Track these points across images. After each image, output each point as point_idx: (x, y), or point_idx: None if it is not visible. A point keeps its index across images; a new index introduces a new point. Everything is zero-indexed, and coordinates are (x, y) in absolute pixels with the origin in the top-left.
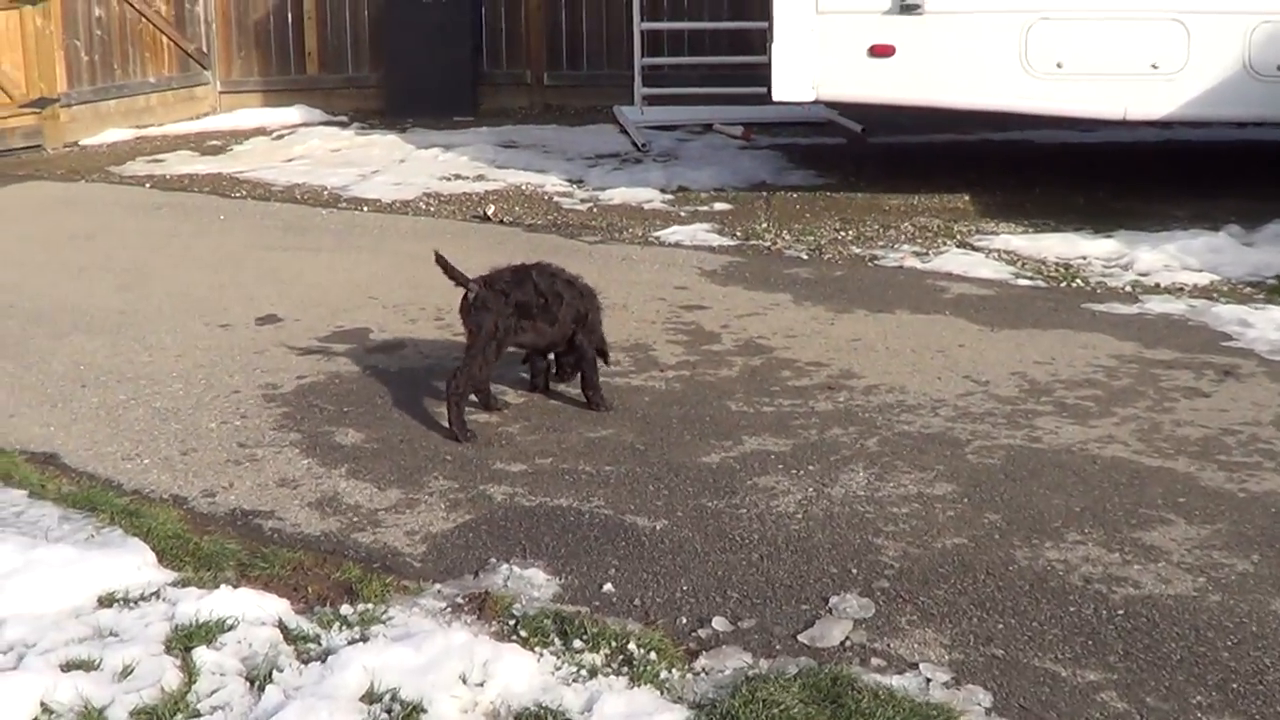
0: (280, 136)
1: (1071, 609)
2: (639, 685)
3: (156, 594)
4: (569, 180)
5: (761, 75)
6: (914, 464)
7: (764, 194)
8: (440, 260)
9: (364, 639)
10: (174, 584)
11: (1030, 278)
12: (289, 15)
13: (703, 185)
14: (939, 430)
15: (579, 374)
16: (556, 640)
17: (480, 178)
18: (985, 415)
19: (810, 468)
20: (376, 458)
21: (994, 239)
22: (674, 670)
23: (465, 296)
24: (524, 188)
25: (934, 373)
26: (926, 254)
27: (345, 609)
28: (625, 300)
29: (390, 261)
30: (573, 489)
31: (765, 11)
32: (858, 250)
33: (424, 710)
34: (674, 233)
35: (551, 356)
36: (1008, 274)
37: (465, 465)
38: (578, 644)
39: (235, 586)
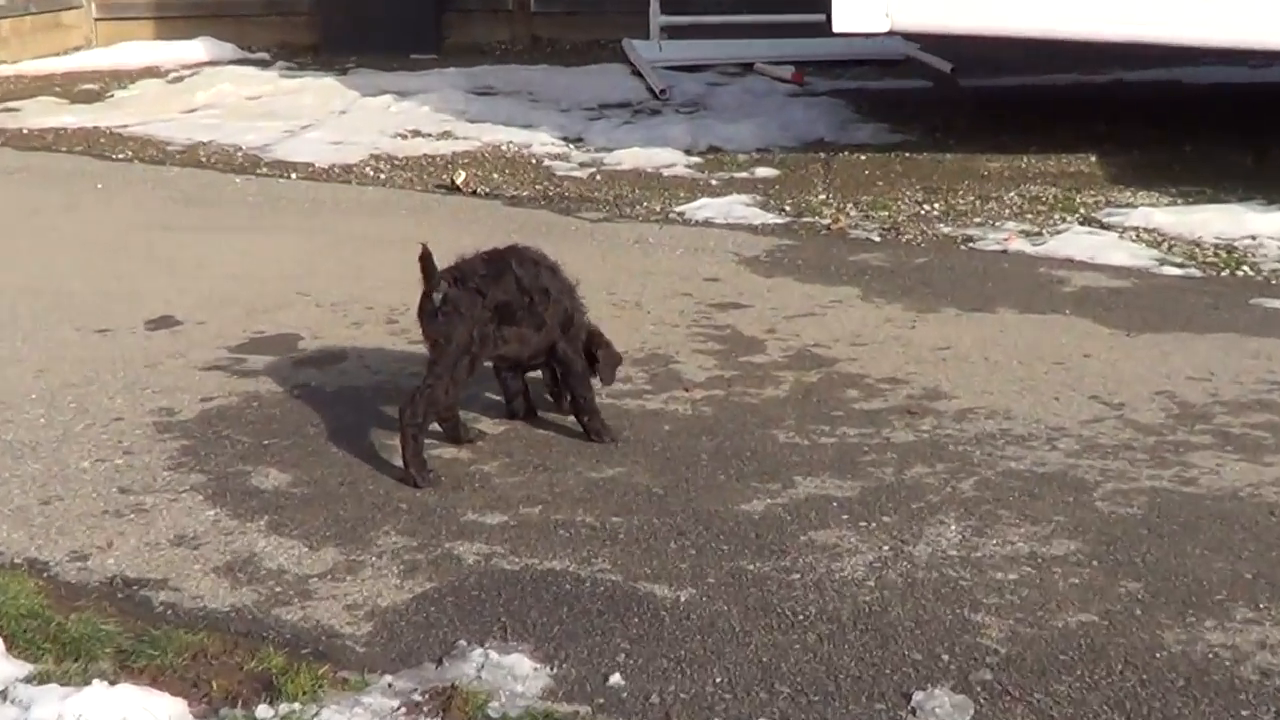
0: (178, 79)
1: (1244, 713)
2: None
3: (2, 694)
4: (564, 138)
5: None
6: (1024, 514)
7: (822, 155)
8: (425, 254)
9: None
10: (28, 679)
11: (1180, 264)
12: None
13: (740, 144)
14: (1057, 469)
15: (569, 394)
16: None
17: (446, 135)
18: (1120, 449)
19: (885, 519)
20: (307, 506)
21: (1130, 213)
22: None
23: (426, 296)
24: (504, 148)
25: (1050, 391)
26: (1039, 234)
27: (262, 711)
28: (638, 297)
29: (327, 245)
30: (569, 547)
31: None
32: (947, 229)
33: None
34: (702, 207)
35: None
36: (1149, 259)
37: (426, 516)
38: None
39: (113, 682)
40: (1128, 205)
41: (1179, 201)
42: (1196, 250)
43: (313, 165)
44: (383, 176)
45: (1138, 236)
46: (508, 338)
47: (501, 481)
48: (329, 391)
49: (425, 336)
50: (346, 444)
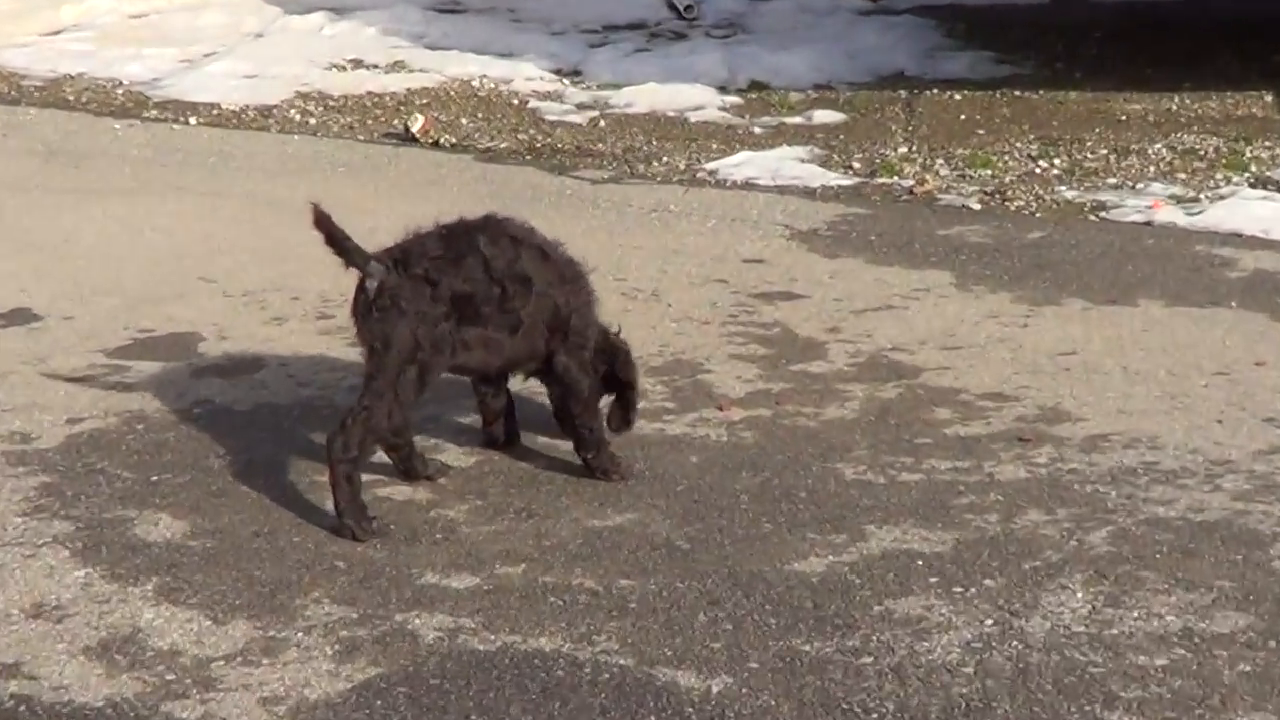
0: None
1: None
2: None
3: None
4: (557, 72)
5: None
6: (1175, 576)
7: (903, 94)
8: (322, 220)
9: None
10: None
11: None
12: None
13: (793, 80)
14: (1221, 515)
15: (565, 420)
16: None
17: (398, 66)
18: None
19: (987, 583)
20: (210, 565)
21: None
22: None
23: (360, 285)
24: (477, 85)
25: (1209, 412)
26: (1196, 199)
27: None
28: (656, 285)
29: (238, 215)
30: (562, 621)
31: None
32: (1070, 193)
33: None
34: (742, 164)
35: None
36: None
37: (371, 578)
38: None
39: None
40: None
41: None
42: None
43: (218, 107)
44: (313, 122)
45: None
46: (470, 342)
47: (472, 531)
48: (240, 411)
49: (360, 340)
50: (263, 482)
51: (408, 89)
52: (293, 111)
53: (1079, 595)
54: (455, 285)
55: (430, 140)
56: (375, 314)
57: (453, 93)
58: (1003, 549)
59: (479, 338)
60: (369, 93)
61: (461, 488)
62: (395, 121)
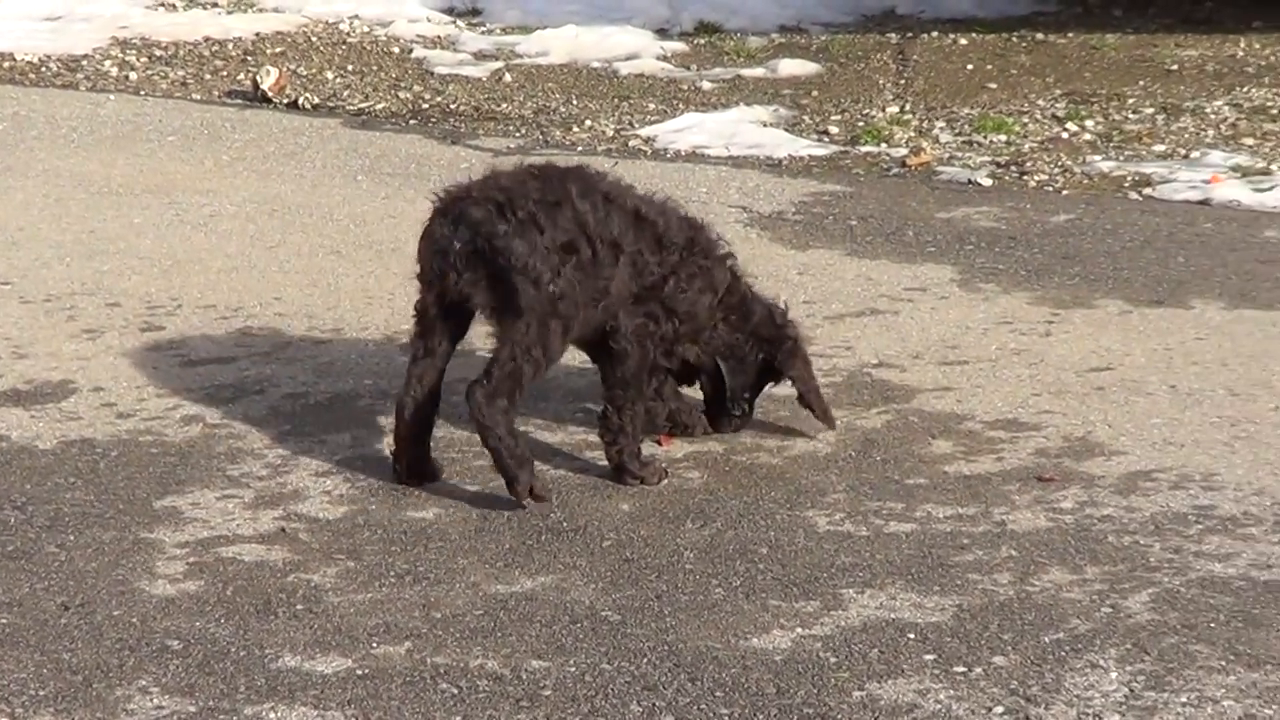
0: None
1: None
2: None
3: None
4: (448, 11)
5: None
6: (1235, 651)
7: (893, 38)
8: None
9: None
10: None
11: None
12: None
13: (752, 19)
14: None
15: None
16: None
17: (245, 4)
18: None
19: (997, 661)
20: (7, 647)
21: None
22: None
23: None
24: (345, 27)
25: None
26: (1266, 171)
27: None
28: None
29: (37, 197)
30: (458, 713)
31: None
32: (1106, 165)
33: None
34: (687, 128)
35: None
36: None
37: (212, 660)
38: None
39: None
40: None
41: None
42: None
43: (10, 58)
44: (134, 77)
45: None
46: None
47: (342, 601)
48: (43, 450)
49: (467, 286)
50: (75, 540)
51: (257, 34)
52: (108, 64)
53: (1113, 675)
54: (559, 234)
55: (286, 100)
56: (514, 239)
57: (315, 38)
58: (1017, 618)
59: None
60: (207, 39)
61: (328, 545)
62: (241, 76)
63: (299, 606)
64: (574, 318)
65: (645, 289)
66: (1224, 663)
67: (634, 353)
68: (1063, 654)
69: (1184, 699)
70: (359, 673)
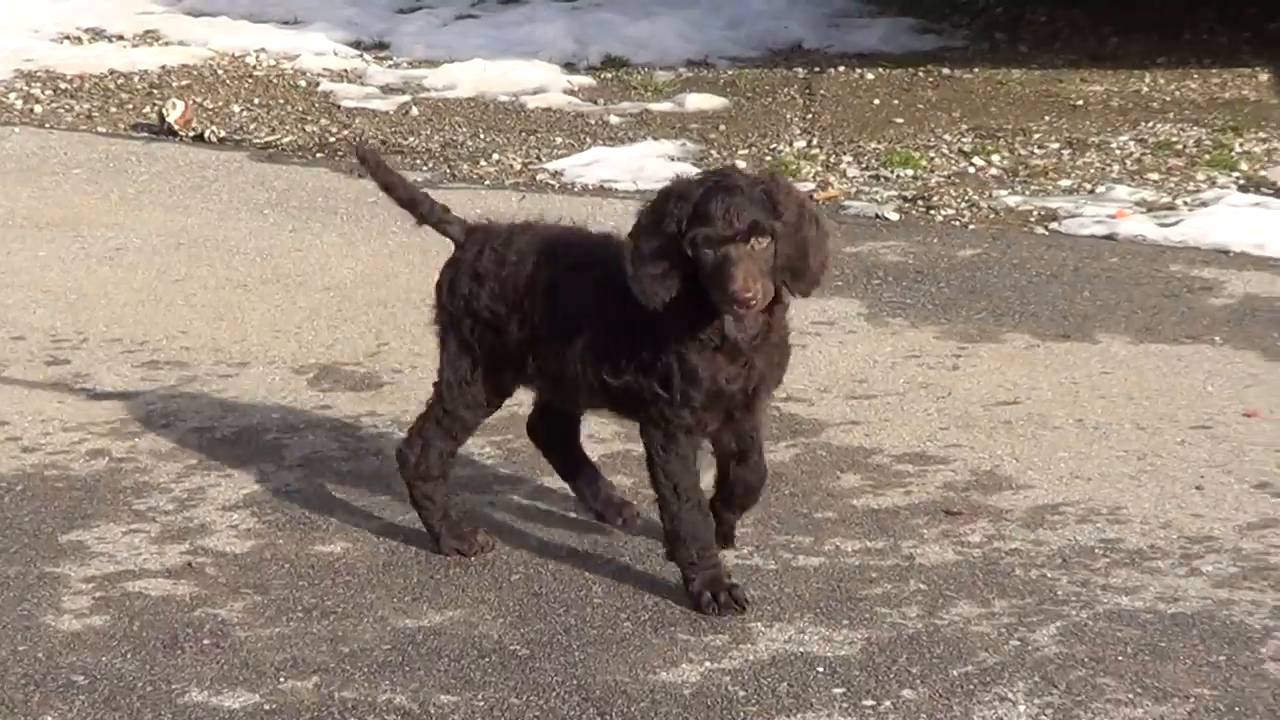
0: None
1: None
2: None
3: None
4: (355, 45)
5: None
6: (1142, 684)
7: (800, 72)
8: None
9: None
10: None
11: None
12: None
13: (660, 54)
14: (1200, 606)
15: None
16: None
17: (151, 38)
18: None
19: (905, 694)
20: None
21: None
22: None
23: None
24: (252, 61)
25: (1187, 477)
26: (1171, 205)
27: None
28: None
29: None
30: None
31: None
32: (1013, 199)
33: None
34: (595, 162)
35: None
36: None
37: (119, 695)
38: None
39: None
40: None
41: None
42: None
43: None
44: (39, 110)
45: None
46: None
47: (250, 635)
48: None
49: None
50: None
51: (163, 67)
52: (12, 96)
53: (1021, 709)
54: None
55: (193, 133)
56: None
57: (221, 72)
58: (925, 651)
59: None
60: (112, 71)
61: (235, 579)
62: (147, 109)
63: (206, 641)
64: None
65: None
66: (1131, 695)
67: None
68: (971, 687)
69: None
70: (266, 708)
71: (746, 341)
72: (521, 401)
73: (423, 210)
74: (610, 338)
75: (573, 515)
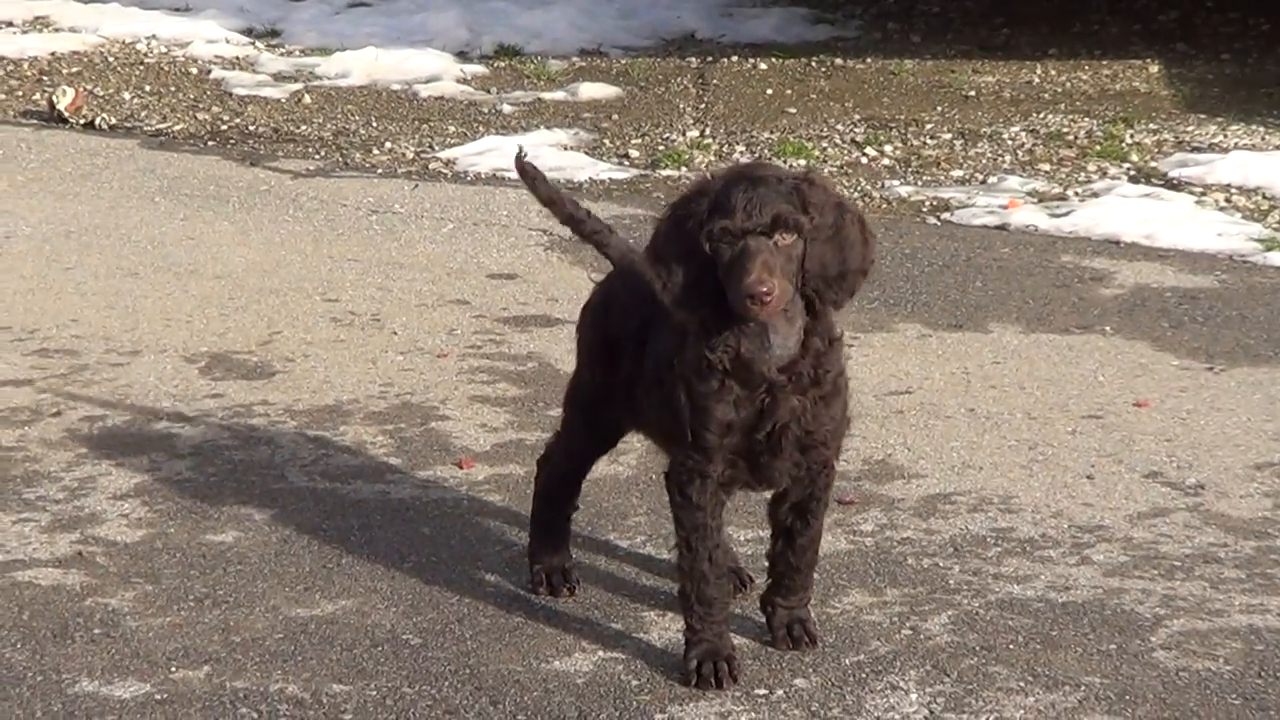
0: None
1: None
2: None
3: None
4: (247, 32)
5: None
6: (1033, 672)
7: (693, 62)
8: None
9: None
10: None
11: None
12: None
13: (553, 43)
14: (1090, 595)
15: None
16: None
17: (40, 24)
18: (1197, 562)
19: (798, 683)
20: None
21: (1216, 161)
22: None
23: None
24: (143, 47)
25: (1079, 465)
26: (1062, 196)
27: None
28: (377, 307)
29: None
30: None
31: None
32: (905, 190)
33: None
34: (487, 151)
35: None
36: (1247, 240)
37: (7, 687)
38: None
39: None
40: (1212, 148)
41: None
42: None
43: None
44: None
45: (1228, 200)
46: None
47: (141, 625)
48: None
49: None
50: None
51: (53, 53)
52: None
53: (913, 697)
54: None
55: (83, 120)
56: None
57: (112, 58)
58: (817, 640)
59: None
60: (2, 58)
61: (126, 568)
62: (37, 96)
63: (96, 631)
64: None
65: None
66: (1023, 684)
67: None
68: (863, 676)
69: (985, 718)
70: (158, 697)
71: (768, 365)
72: (413, 389)
73: (584, 229)
74: (640, 364)
75: (465, 504)
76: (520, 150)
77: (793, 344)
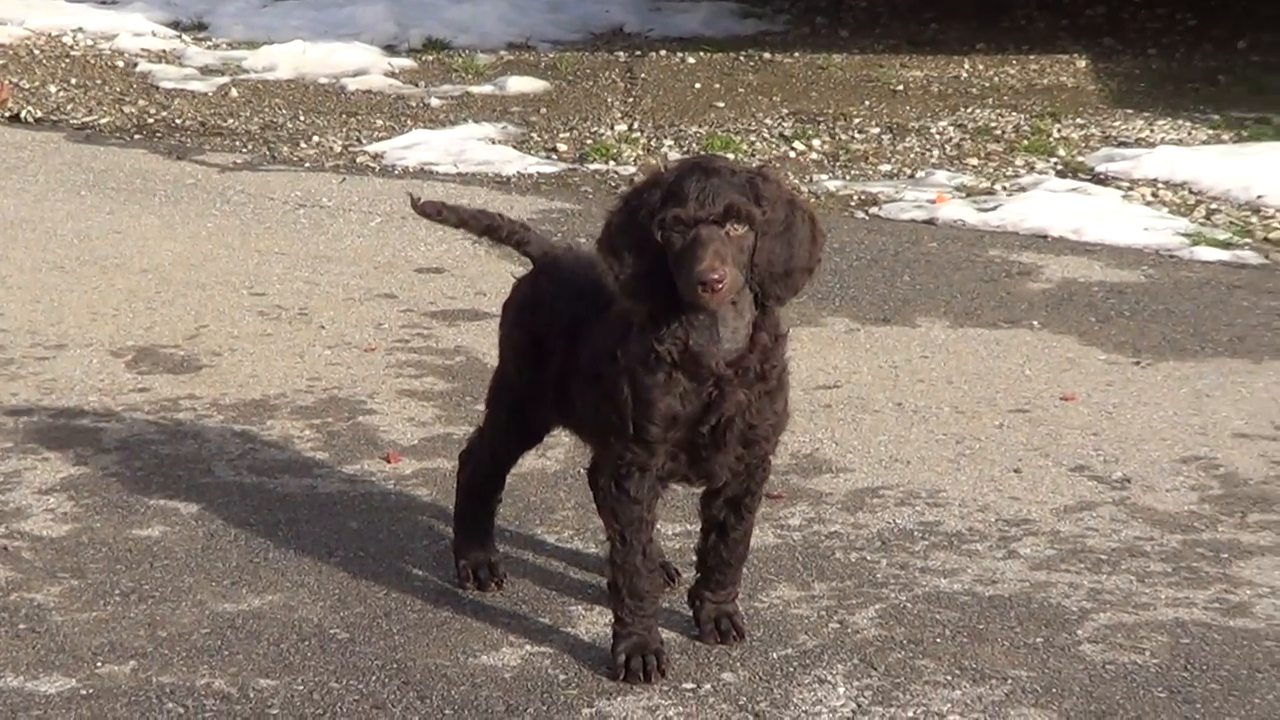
0: None
1: None
2: None
3: None
4: (174, 25)
5: None
6: (960, 665)
7: (621, 56)
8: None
9: None
10: None
11: (1225, 243)
12: None
13: (481, 37)
14: (1017, 589)
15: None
16: None
17: None
18: (1123, 555)
19: (726, 677)
20: None
21: (1143, 156)
22: None
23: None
24: (69, 40)
25: (1004, 460)
26: (990, 190)
27: None
28: (304, 301)
29: None
30: None
31: None
32: (833, 184)
33: None
34: (415, 145)
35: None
36: (1174, 235)
37: None
38: None
39: None
40: (1139, 142)
41: (1225, 136)
42: (1253, 219)
43: None
44: None
45: (1155, 195)
46: None
47: (66, 620)
48: None
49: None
50: None
51: None
52: None
53: (840, 691)
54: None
55: (8, 113)
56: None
57: (38, 51)
58: (745, 634)
59: None
60: None
61: (52, 563)
62: None
63: (21, 626)
64: None
65: None
66: (950, 677)
67: None
68: (791, 670)
69: (910, 714)
70: (83, 693)
71: (716, 359)
72: (341, 383)
73: (501, 234)
74: (571, 361)
75: (393, 499)
76: (413, 197)
77: (741, 338)
